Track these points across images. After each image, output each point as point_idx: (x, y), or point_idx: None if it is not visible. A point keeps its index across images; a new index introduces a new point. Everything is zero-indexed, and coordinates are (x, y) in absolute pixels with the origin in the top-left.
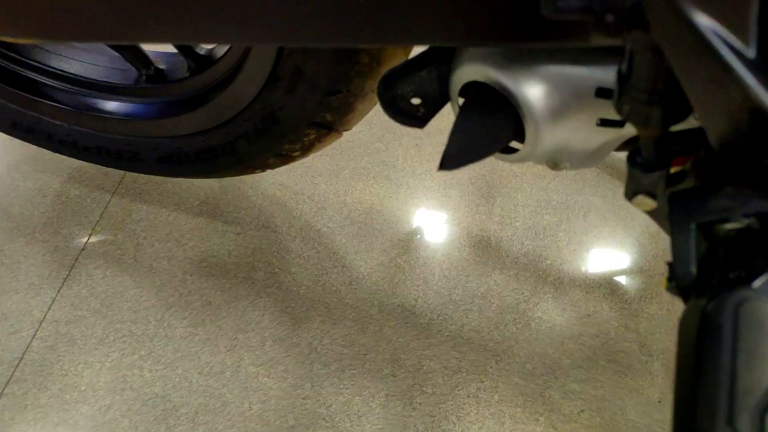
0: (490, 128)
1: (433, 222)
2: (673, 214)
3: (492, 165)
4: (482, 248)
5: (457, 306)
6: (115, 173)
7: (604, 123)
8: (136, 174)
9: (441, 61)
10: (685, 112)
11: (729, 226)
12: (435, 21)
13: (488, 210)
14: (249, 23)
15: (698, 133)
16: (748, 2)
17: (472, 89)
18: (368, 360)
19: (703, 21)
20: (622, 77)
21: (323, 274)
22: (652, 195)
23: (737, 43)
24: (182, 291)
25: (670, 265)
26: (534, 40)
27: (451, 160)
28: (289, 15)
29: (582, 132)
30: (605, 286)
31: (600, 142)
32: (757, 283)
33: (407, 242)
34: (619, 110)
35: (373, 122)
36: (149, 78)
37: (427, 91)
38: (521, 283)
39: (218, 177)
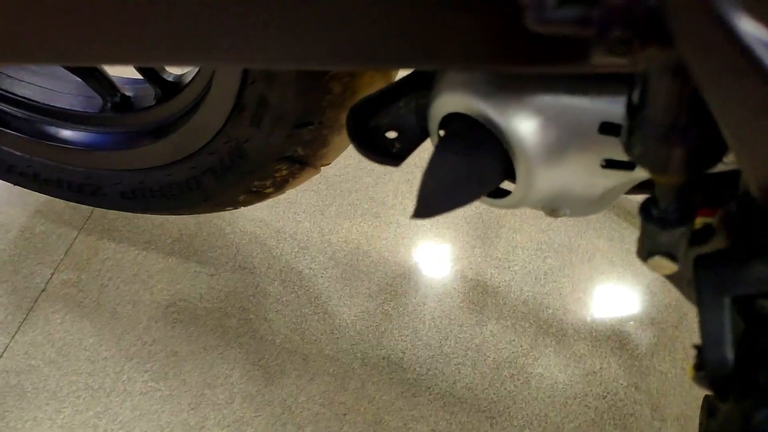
0: (473, 169)
1: (425, 265)
2: (701, 285)
3: None
4: (478, 294)
5: (449, 359)
6: (85, 208)
7: (611, 165)
8: (105, 210)
9: (421, 90)
10: (716, 153)
11: None
12: (405, 40)
13: (485, 252)
14: (208, 42)
15: (730, 178)
16: None
17: (453, 122)
18: (347, 421)
19: (750, 30)
20: (632, 109)
21: (302, 321)
22: (672, 256)
23: None
24: (146, 339)
25: (699, 349)
26: (523, 64)
27: (426, 207)
28: (250, 34)
29: (584, 175)
30: (613, 339)
31: (605, 186)
32: None
33: (396, 287)
34: (628, 150)
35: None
36: (115, 106)
37: (404, 124)
38: (520, 334)
39: (186, 214)
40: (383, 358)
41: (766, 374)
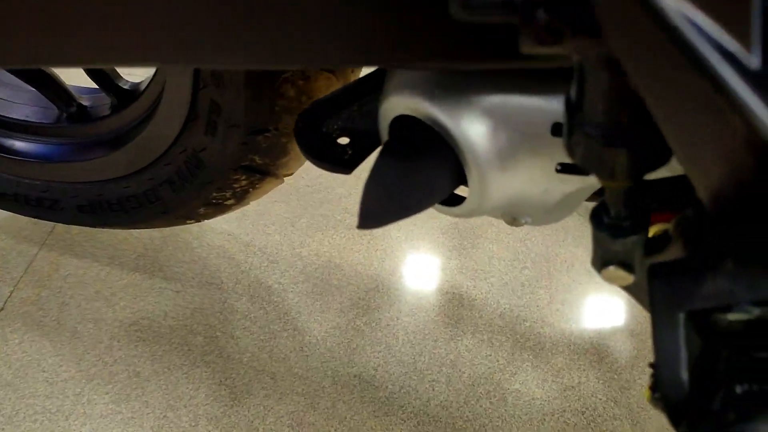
0: (420, 175)
1: (399, 278)
2: (655, 298)
3: None
4: (453, 308)
5: (423, 376)
6: (47, 223)
7: (566, 169)
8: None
9: (375, 93)
10: (662, 155)
11: (733, 316)
12: (332, 37)
13: (461, 264)
14: (150, 41)
15: (686, 181)
16: None
17: (400, 126)
18: None
19: (683, 15)
20: (570, 108)
21: (271, 338)
22: (627, 266)
23: (734, 47)
24: (107, 360)
25: (654, 368)
26: (458, 60)
27: (369, 218)
28: (191, 33)
29: (539, 180)
30: (592, 351)
31: (563, 192)
32: None
33: (368, 301)
34: (570, 153)
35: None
36: (71, 116)
37: (356, 130)
38: (496, 348)
39: (146, 228)
40: (355, 376)
41: (719, 400)
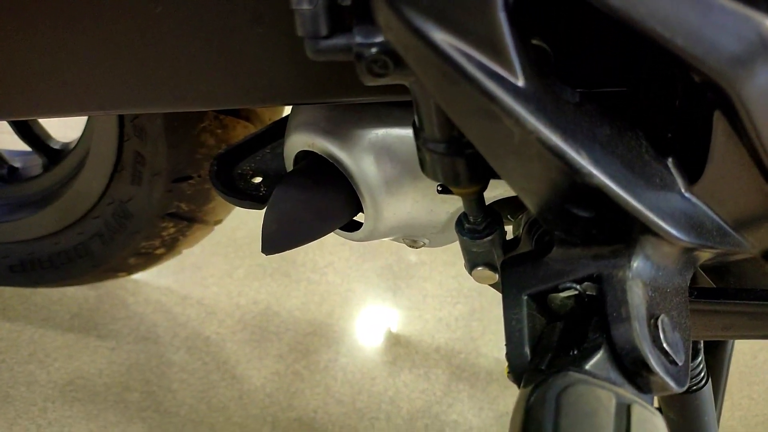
0: (318, 203)
1: (336, 320)
2: (504, 285)
3: (398, 254)
4: (390, 346)
5: (362, 415)
6: None
7: (445, 190)
8: (1, 287)
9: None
10: None
11: (564, 295)
12: (222, 83)
13: (395, 303)
14: (77, 92)
15: None
16: (493, 20)
17: (302, 159)
18: None
19: (449, 43)
20: (416, 130)
21: (209, 389)
22: (492, 266)
23: (501, 71)
24: (41, 422)
25: (506, 346)
26: (327, 96)
27: (271, 244)
28: (112, 83)
29: (424, 202)
30: None
31: (448, 212)
32: (590, 362)
33: (307, 345)
34: (423, 169)
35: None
36: (2, 178)
37: (269, 169)
38: (433, 382)
39: (78, 284)
40: (294, 420)
41: (545, 361)
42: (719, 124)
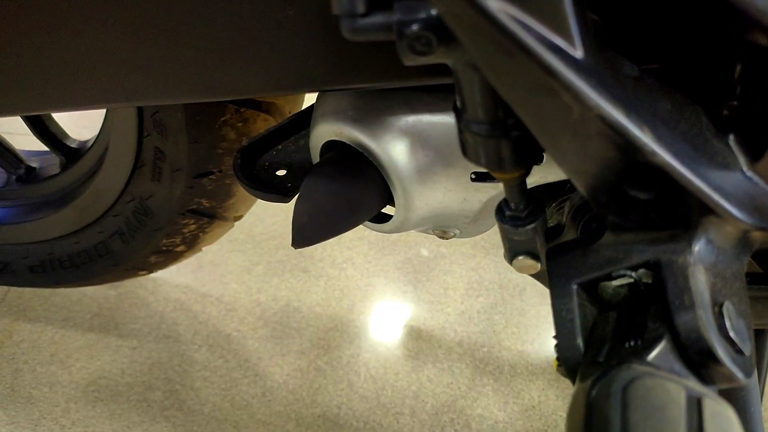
0: (348, 195)
1: (357, 315)
2: (551, 275)
3: (417, 248)
4: (412, 340)
5: (387, 410)
6: None
7: (480, 178)
8: (21, 289)
9: (307, 127)
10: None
11: (617, 283)
12: (241, 72)
13: (417, 297)
14: (92, 86)
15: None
16: None
17: (329, 150)
18: None
19: (506, 12)
20: (457, 112)
21: (232, 386)
22: (534, 255)
23: (560, 42)
24: (64, 423)
25: (555, 338)
26: (362, 81)
27: (302, 237)
28: (130, 74)
29: (457, 190)
30: (549, 370)
31: (480, 200)
32: (653, 353)
33: (328, 341)
34: (464, 153)
35: (289, 210)
36: (20, 178)
37: (293, 161)
38: (457, 376)
39: (99, 283)
40: (318, 416)
41: (602, 353)
42: None
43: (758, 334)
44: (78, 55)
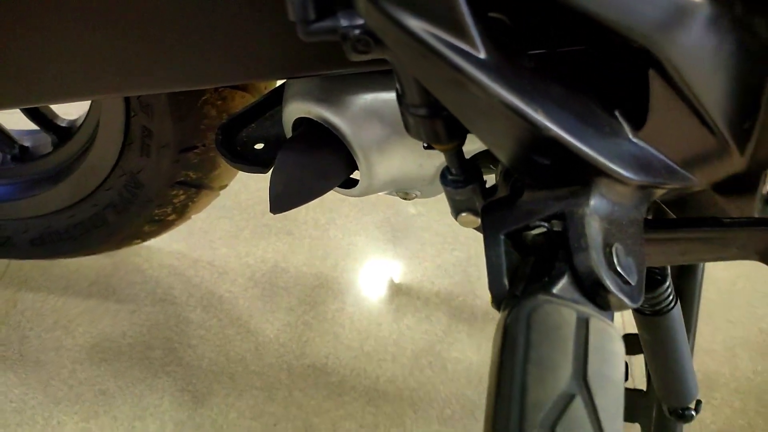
0: (318, 164)
1: (340, 273)
2: (484, 227)
3: (396, 208)
4: (392, 293)
5: (370, 357)
6: None
7: (430, 146)
8: (21, 261)
9: (279, 104)
10: None
11: (535, 232)
12: (214, 62)
13: (395, 253)
14: (85, 78)
15: None
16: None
17: (300, 126)
18: (279, 430)
19: (418, 25)
20: (399, 97)
21: (226, 343)
22: (473, 211)
23: (465, 47)
24: (71, 382)
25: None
26: (321, 68)
27: (278, 203)
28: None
29: (413, 158)
30: None
31: (435, 165)
32: (557, 287)
33: (314, 297)
34: (407, 129)
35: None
36: (14, 157)
37: (269, 135)
38: (434, 324)
39: (96, 253)
40: (308, 366)
41: (520, 288)
42: (654, 81)
43: (687, 272)
44: (64, 50)
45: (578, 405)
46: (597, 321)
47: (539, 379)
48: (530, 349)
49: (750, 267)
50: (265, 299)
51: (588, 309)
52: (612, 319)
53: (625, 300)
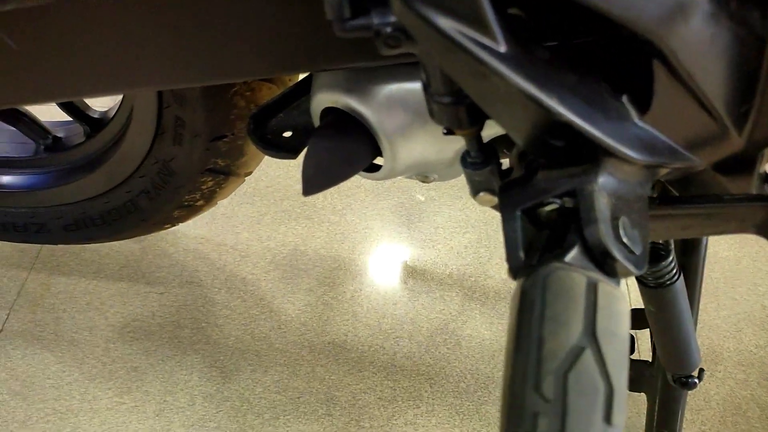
0: (345, 150)
1: (358, 255)
2: (502, 205)
3: (409, 193)
4: (407, 274)
5: (387, 335)
6: (32, 249)
7: (450, 132)
8: (53, 247)
9: (307, 94)
10: None
11: (549, 208)
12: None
13: (410, 236)
14: (121, 73)
15: None
16: (478, 3)
17: (327, 115)
18: (302, 403)
19: (447, 23)
20: (425, 86)
21: (251, 322)
22: (491, 191)
23: (487, 42)
24: (105, 360)
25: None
26: (352, 61)
27: (310, 186)
28: (155, 61)
29: (433, 143)
30: None
31: (454, 150)
32: (569, 256)
33: (333, 279)
34: (432, 116)
35: (290, 165)
36: (47, 147)
37: (297, 124)
38: (448, 303)
39: (128, 237)
40: (329, 343)
41: (535, 259)
42: (658, 69)
43: (690, 247)
44: (109, 49)
45: (588, 356)
46: (605, 285)
47: (553, 333)
48: (546, 308)
49: (754, 247)
50: (286, 281)
51: (597, 275)
52: (618, 285)
53: (631, 267)
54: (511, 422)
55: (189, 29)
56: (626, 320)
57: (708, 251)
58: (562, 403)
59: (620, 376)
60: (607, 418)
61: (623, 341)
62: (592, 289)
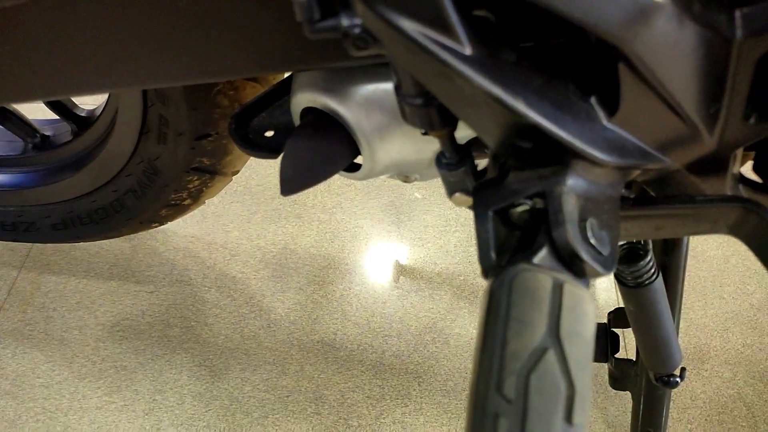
0: (324, 150)
1: (347, 254)
2: (475, 205)
3: (399, 191)
4: (397, 273)
5: (376, 334)
6: (22, 248)
7: (426, 132)
8: (43, 246)
9: (288, 94)
10: None
11: (520, 209)
12: (240, 53)
13: (400, 235)
14: (106, 72)
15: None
16: (440, 5)
17: (307, 114)
18: (291, 401)
19: (410, 26)
20: (396, 88)
21: (240, 320)
22: (466, 191)
23: (452, 44)
24: (95, 359)
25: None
26: (324, 62)
27: (288, 186)
28: (137, 62)
29: (411, 143)
30: None
31: (432, 150)
32: (537, 257)
33: (323, 277)
34: (404, 117)
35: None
36: (35, 146)
37: (279, 123)
38: (437, 302)
39: (116, 236)
40: (318, 342)
41: (505, 260)
42: (623, 72)
43: (671, 247)
44: (94, 48)
45: (551, 357)
46: (571, 286)
47: (517, 334)
48: (511, 309)
49: (742, 246)
50: (276, 279)
51: (564, 276)
52: (588, 286)
53: (598, 268)
54: (474, 423)
55: (171, 28)
56: (592, 321)
57: (696, 250)
58: (523, 404)
59: (583, 376)
60: (568, 418)
61: (588, 342)
62: (558, 290)
